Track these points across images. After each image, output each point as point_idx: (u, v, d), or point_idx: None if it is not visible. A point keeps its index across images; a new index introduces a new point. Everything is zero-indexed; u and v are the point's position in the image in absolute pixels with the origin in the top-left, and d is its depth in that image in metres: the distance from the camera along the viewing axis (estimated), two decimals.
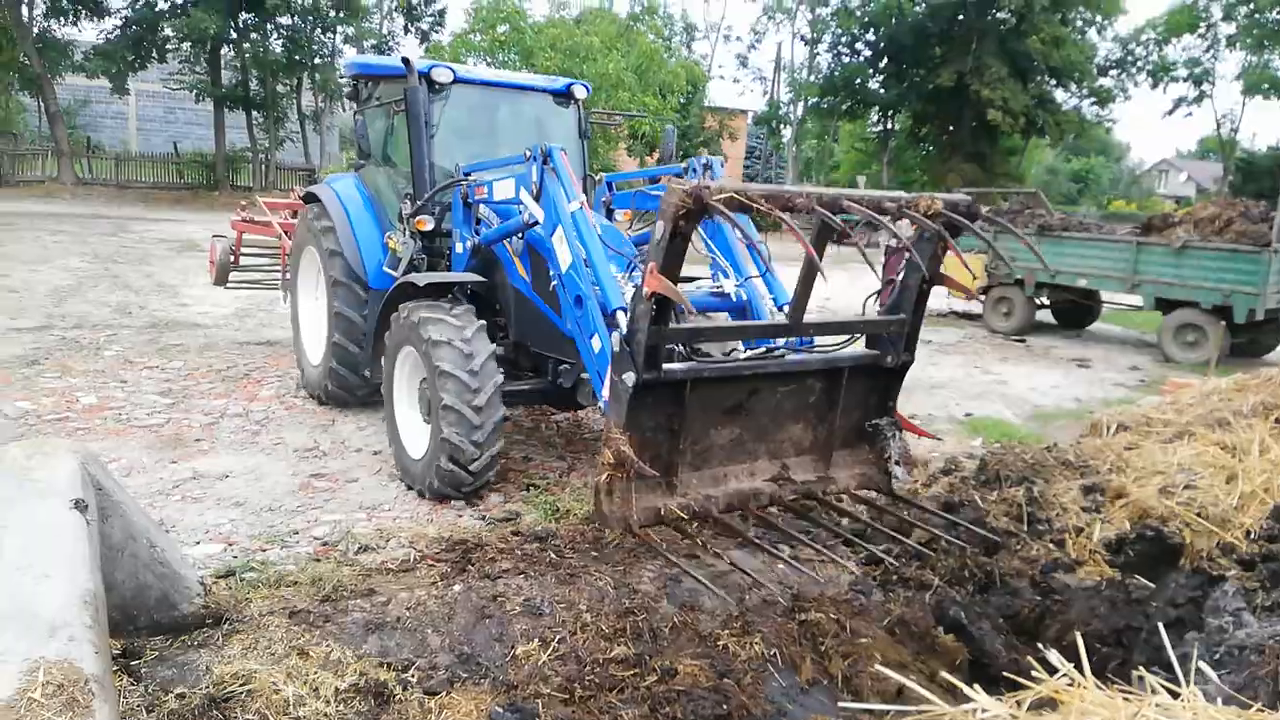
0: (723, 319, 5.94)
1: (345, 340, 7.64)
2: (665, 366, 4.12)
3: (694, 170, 6.22)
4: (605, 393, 4.45)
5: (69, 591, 2.90)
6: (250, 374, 9.49)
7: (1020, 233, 4.63)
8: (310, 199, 8.31)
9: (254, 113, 37.09)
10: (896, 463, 4.88)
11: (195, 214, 29.95)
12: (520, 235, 6.14)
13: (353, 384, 7.88)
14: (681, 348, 4.86)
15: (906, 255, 4.49)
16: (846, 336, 4.78)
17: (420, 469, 6.11)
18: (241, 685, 3.83)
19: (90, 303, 12.89)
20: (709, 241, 6.07)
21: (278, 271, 10.93)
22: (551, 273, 5.48)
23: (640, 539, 4.37)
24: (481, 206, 6.54)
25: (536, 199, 5.49)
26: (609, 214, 7.43)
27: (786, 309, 4.74)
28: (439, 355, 5.67)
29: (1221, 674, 4.54)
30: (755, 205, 3.58)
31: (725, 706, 4.19)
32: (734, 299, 5.79)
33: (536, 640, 4.63)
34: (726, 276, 5.86)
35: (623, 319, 4.59)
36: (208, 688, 3.79)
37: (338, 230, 7.66)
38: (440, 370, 5.64)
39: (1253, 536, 5.11)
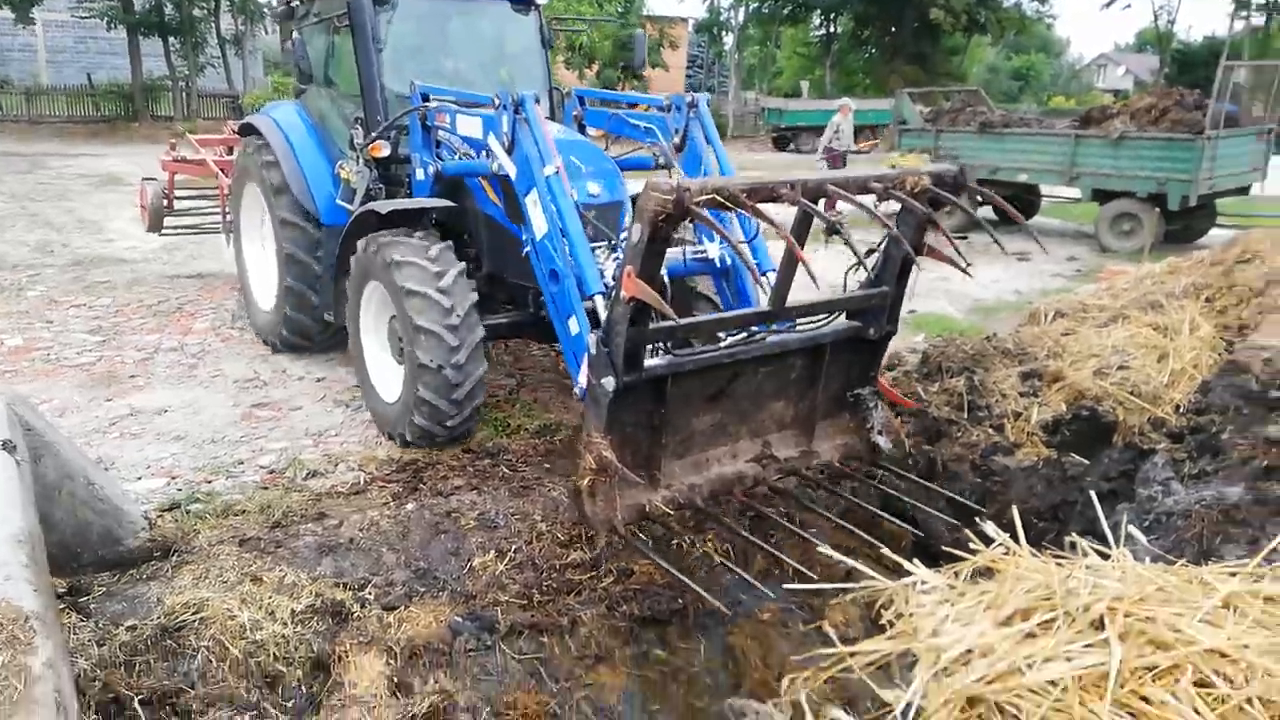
0: (706, 284, 5.70)
1: (299, 284, 6.98)
2: (646, 363, 3.94)
3: (678, 109, 5.68)
4: (582, 380, 4.26)
5: (1, 533, 2.82)
6: (183, 308, 9.23)
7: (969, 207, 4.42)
8: (247, 131, 7.62)
9: (170, 39, 35.27)
10: (879, 432, 4.79)
11: (114, 147, 28.69)
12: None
13: (310, 330, 7.28)
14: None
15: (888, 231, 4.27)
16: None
17: (393, 416, 5.69)
18: (194, 614, 3.81)
19: (8, 242, 12.36)
20: None
21: (217, 213, 10.22)
22: (525, 237, 5.06)
23: (625, 538, 4.20)
24: (442, 132, 5.96)
25: (509, 152, 5.02)
26: (580, 129, 6.70)
27: (771, 276, 4.45)
28: (414, 306, 5.17)
29: (1151, 539, 4.75)
30: (739, 204, 3.39)
31: (680, 600, 4.28)
32: (717, 263, 5.44)
33: (492, 552, 4.67)
34: (710, 239, 5.46)
35: (601, 305, 4.38)
36: (159, 618, 3.76)
37: (282, 164, 6.94)
38: (416, 325, 5.16)
39: (1182, 411, 5.29)
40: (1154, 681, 1.70)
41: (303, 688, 3.62)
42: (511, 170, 5.01)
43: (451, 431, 5.53)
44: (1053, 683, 1.75)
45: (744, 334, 4.36)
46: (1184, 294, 6.29)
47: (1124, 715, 1.67)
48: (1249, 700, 1.60)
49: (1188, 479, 5.07)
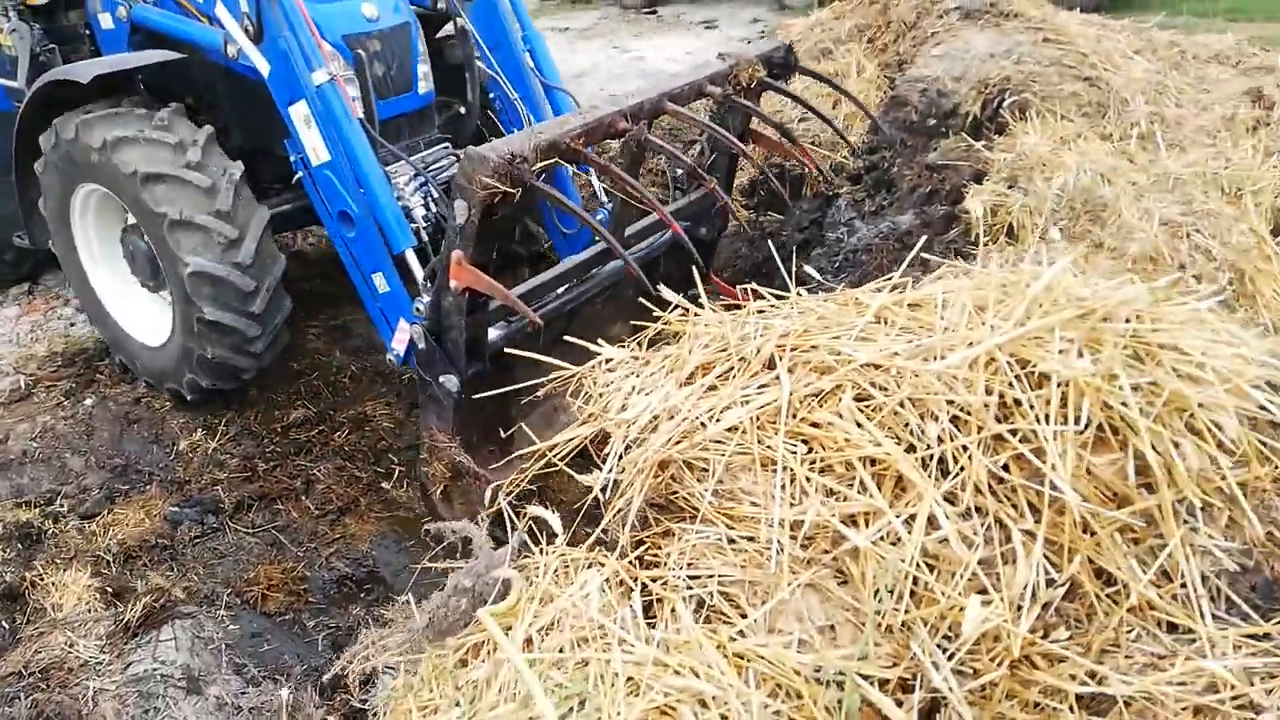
0: None
1: None
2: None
3: None
4: (398, 347, 3.57)
5: None
6: None
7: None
8: None
9: None
10: None
11: None
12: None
13: None
14: None
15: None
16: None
17: (167, 363, 4.23)
18: None
19: None
20: (498, 73, 4.40)
21: None
22: (293, 156, 3.72)
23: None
24: None
25: (255, 40, 3.59)
26: None
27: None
28: (159, 198, 3.69)
29: (841, 276, 5.15)
30: (581, 160, 2.89)
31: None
32: None
33: (200, 430, 4.29)
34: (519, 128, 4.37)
35: (415, 265, 3.50)
36: None
37: None
38: (172, 221, 3.68)
39: (857, 152, 5.60)
40: (820, 405, 1.78)
41: None
42: (263, 67, 3.60)
43: (259, 360, 4.22)
44: (733, 428, 1.79)
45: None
46: (849, 37, 6.55)
47: (798, 443, 1.75)
48: (900, 403, 1.71)
49: (867, 216, 5.46)
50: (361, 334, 4.99)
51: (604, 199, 4.43)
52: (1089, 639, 1.53)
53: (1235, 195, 4.80)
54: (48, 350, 4.89)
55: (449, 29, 4.49)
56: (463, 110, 4.42)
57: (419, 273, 3.45)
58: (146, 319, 4.38)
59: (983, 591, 1.52)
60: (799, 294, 2.29)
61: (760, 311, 2.11)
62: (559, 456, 1.95)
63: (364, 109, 3.78)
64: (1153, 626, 1.53)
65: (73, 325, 5.19)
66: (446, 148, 4.21)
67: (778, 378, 1.83)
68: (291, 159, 3.72)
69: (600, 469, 1.86)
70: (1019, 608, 1.51)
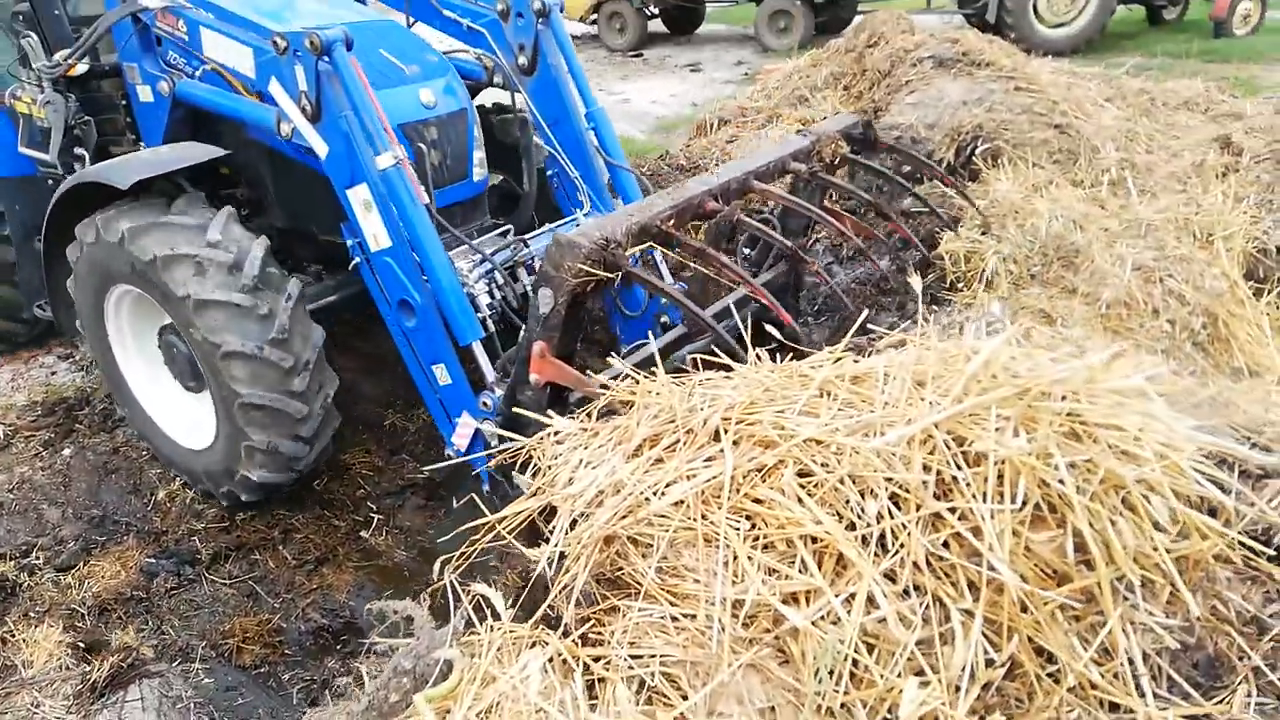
0: None
1: None
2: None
3: (521, 16, 4.12)
4: (459, 441, 3.37)
5: None
6: None
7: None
8: None
9: None
10: None
11: None
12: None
13: (10, 329, 5.33)
14: None
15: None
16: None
17: (210, 468, 3.92)
18: None
19: None
20: (557, 151, 4.17)
21: None
22: (350, 241, 3.48)
23: None
24: (173, 41, 3.98)
25: (314, 120, 3.31)
26: None
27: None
28: (209, 324, 3.43)
29: (822, 320, 5.19)
30: (673, 240, 2.77)
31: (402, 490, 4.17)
32: None
33: (178, 480, 4.29)
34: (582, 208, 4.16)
35: (482, 359, 3.27)
36: None
37: None
38: (224, 351, 3.41)
39: (834, 197, 5.65)
40: (763, 481, 1.79)
41: None
42: (320, 148, 3.34)
43: (303, 474, 3.95)
44: (678, 503, 1.80)
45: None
46: (825, 85, 6.65)
47: (741, 519, 1.76)
48: (841, 480, 1.73)
49: (846, 260, 5.53)
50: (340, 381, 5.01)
51: (670, 278, 4.20)
52: (1029, 719, 1.54)
53: (1207, 240, 4.86)
54: (27, 399, 4.89)
55: (500, 94, 4.32)
56: (519, 194, 4.26)
57: (486, 365, 3.24)
58: (183, 418, 4.11)
59: (920, 673, 1.53)
60: (759, 356, 2.32)
61: (707, 381, 2.13)
62: (508, 529, 1.95)
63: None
64: (1093, 706, 1.54)
65: (53, 374, 5.20)
66: (508, 232, 3.97)
67: (723, 451, 1.85)
68: (348, 244, 3.48)
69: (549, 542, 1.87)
70: (958, 688, 1.52)
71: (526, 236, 3.84)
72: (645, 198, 3.48)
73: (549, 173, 4.21)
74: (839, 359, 2.02)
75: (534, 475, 2.00)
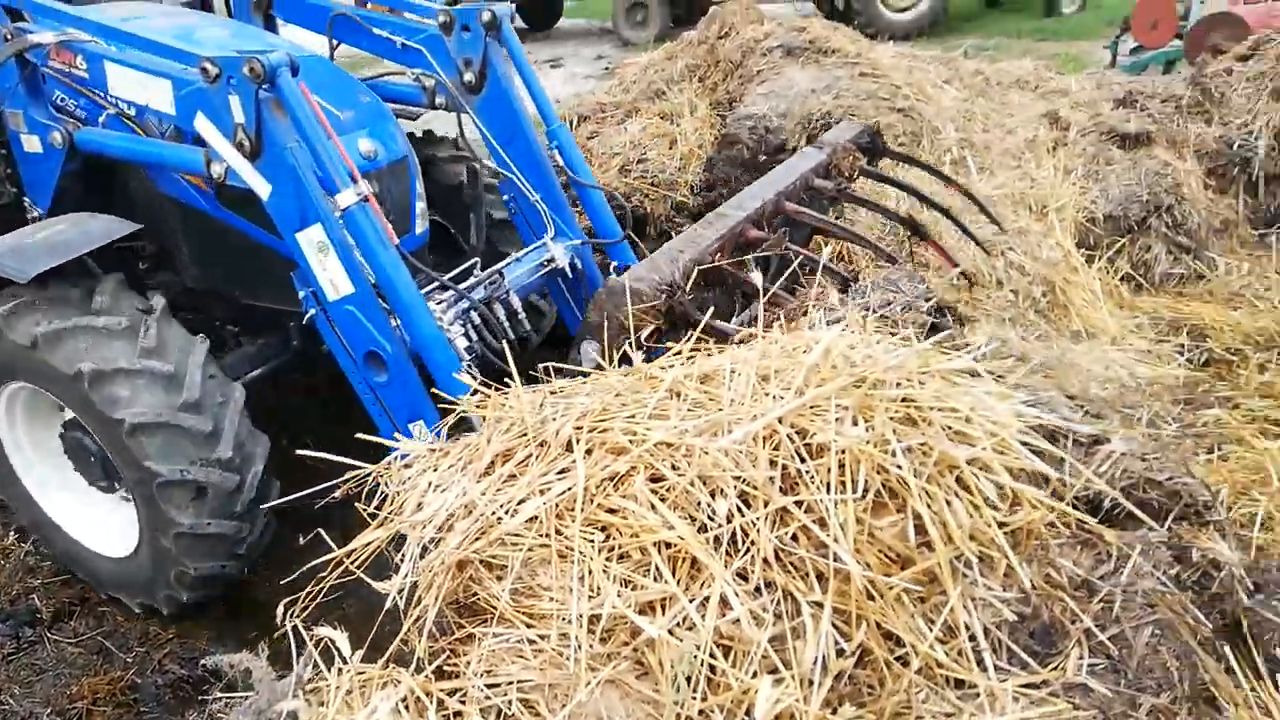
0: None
1: None
2: None
3: (466, 29, 3.74)
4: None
5: None
6: None
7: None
8: None
9: None
10: None
11: None
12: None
13: None
14: None
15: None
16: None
17: (137, 575, 3.45)
18: None
19: None
20: (515, 173, 3.81)
21: None
22: (302, 292, 3.07)
23: None
24: (67, 85, 3.51)
25: (253, 156, 2.86)
26: (268, 23, 4.35)
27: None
28: (113, 399, 3.00)
29: None
30: (725, 273, 2.60)
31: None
32: (567, 270, 3.74)
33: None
34: (565, 238, 3.78)
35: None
36: None
37: None
38: (131, 426, 2.97)
39: (695, 190, 5.72)
40: (616, 490, 1.77)
41: None
42: (261, 188, 2.91)
43: (248, 559, 3.45)
44: (531, 520, 1.76)
45: None
46: (681, 77, 6.68)
47: (595, 531, 1.73)
48: (691, 482, 1.72)
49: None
50: None
51: None
52: (881, 705, 1.56)
53: (1042, 213, 5.13)
54: None
55: (444, 121, 3.99)
56: (451, 234, 4.06)
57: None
58: (96, 523, 3.59)
59: (775, 670, 1.54)
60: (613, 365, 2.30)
61: (558, 391, 2.09)
62: (355, 563, 1.87)
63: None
64: (940, 685, 1.58)
65: None
66: (475, 265, 3.68)
67: (575, 461, 1.82)
68: (300, 294, 3.07)
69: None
70: (811, 682, 1.53)
71: (500, 267, 3.56)
72: (676, 244, 3.05)
73: (505, 197, 3.92)
74: (689, 358, 2.02)
75: (381, 504, 1.92)
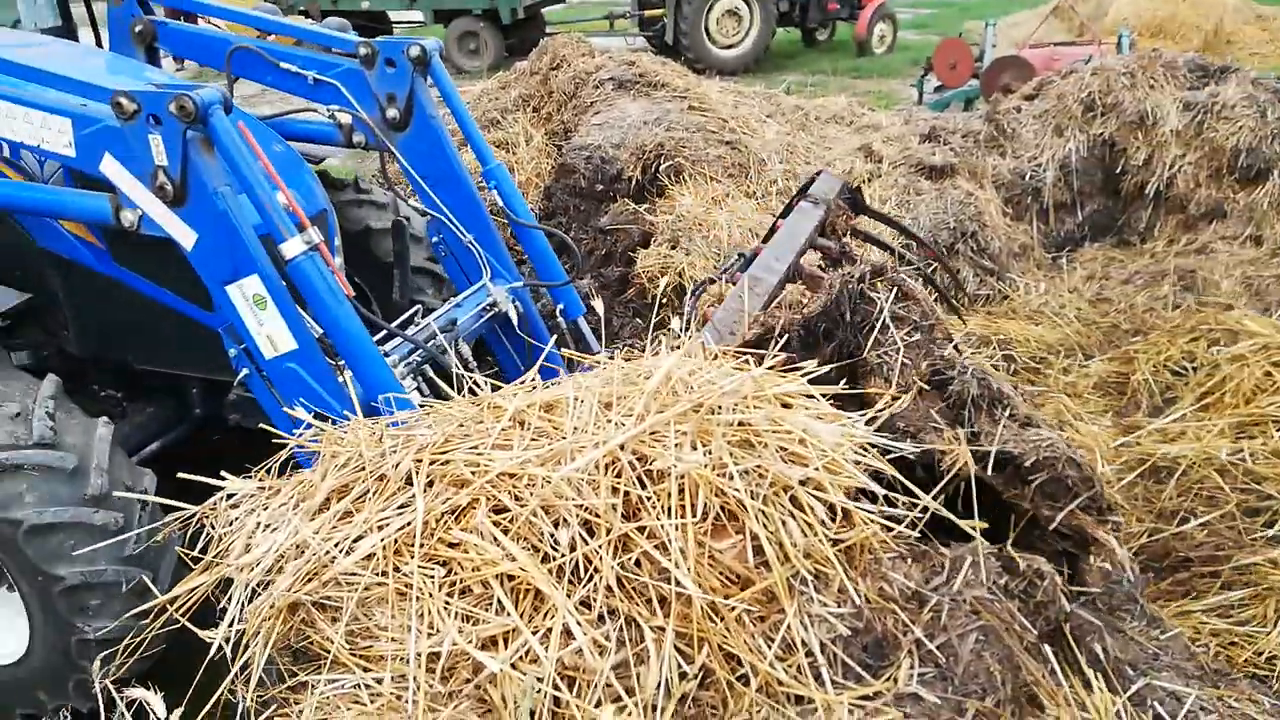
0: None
1: None
2: None
3: (390, 63, 3.45)
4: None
5: None
6: None
7: None
8: None
9: None
10: None
11: None
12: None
13: None
14: None
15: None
16: None
17: (34, 680, 2.85)
18: None
19: None
20: (446, 216, 3.57)
21: None
22: (233, 350, 2.76)
23: None
24: None
25: (175, 202, 2.51)
26: (151, 56, 3.94)
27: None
28: (38, 548, 2.57)
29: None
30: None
31: None
32: (513, 317, 3.54)
33: None
34: (504, 281, 3.60)
35: None
36: None
37: None
38: (28, 527, 2.54)
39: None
40: (457, 523, 1.74)
41: None
42: (185, 237, 2.57)
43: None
44: (368, 558, 1.70)
45: None
46: (515, 106, 6.70)
47: (435, 566, 1.69)
48: (534, 512, 1.71)
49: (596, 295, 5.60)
50: None
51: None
52: None
53: None
54: None
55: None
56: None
57: None
58: None
59: (618, 699, 1.54)
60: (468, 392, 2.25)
61: (399, 423, 2.04)
62: (180, 611, 1.74)
63: None
64: (781, 703, 1.63)
65: None
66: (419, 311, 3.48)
67: (415, 495, 1.77)
68: (229, 350, 2.76)
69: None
70: (654, 707, 1.55)
71: (447, 312, 3.35)
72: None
73: (434, 240, 3.71)
74: (532, 387, 2.01)
75: (205, 547, 1.80)
